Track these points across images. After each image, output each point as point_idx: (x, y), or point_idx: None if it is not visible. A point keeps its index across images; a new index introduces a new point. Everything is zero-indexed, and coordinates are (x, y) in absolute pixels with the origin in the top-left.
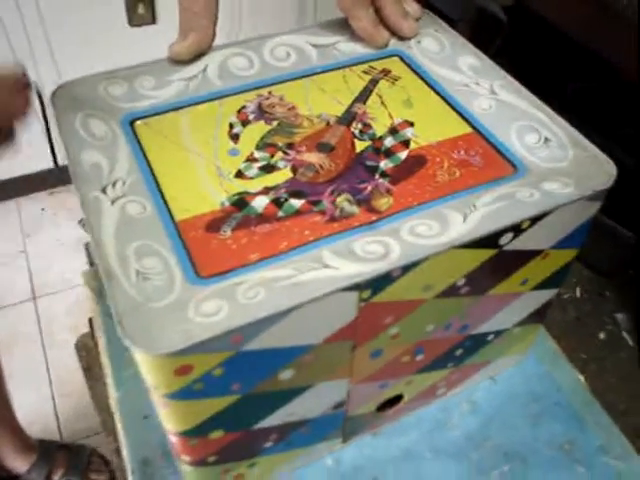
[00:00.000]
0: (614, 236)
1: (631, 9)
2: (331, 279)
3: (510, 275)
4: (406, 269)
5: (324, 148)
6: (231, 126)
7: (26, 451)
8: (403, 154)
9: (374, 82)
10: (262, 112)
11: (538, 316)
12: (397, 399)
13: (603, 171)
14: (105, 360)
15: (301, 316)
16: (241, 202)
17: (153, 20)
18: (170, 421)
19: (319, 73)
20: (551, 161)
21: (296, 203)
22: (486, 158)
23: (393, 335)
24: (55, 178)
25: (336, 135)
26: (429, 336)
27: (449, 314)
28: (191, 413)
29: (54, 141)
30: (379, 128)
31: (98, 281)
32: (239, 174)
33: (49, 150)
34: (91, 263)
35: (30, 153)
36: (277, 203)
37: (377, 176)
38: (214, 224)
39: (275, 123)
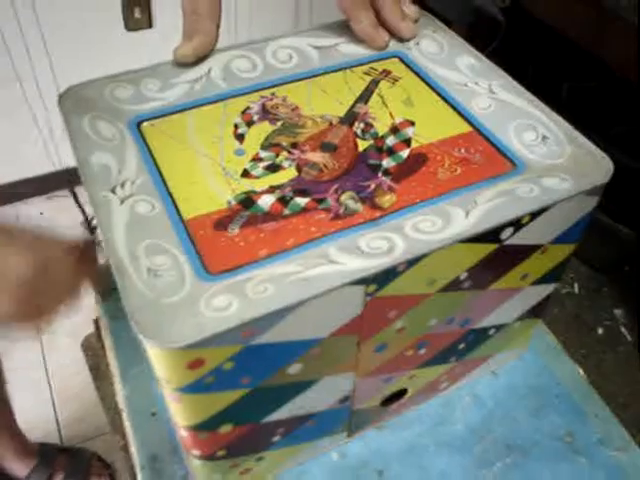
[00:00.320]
0: (611, 233)
1: (631, 9)
2: (338, 274)
3: (510, 270)
4: (410, 264)
5: (328, 147)
6: (236, 127)
7: (26, 455)
8: (405, 152)
9: (375, 83)
10: (266, 113)
11: (537, 311)
12: (401, 393)
13: (600, 167)
14: (112, 359)
15: (309, 310)
16: (248, 201)
17: (150, 24)
18: (181, 415)
19: (321, 74)
20: (549, 158)
21: (301, 201)
22: (486, 156)
23: (397, 329)
24: (53, 182)
25: (339, 135)
26: (432, 330)
27: (452, 308)
28: (202, 407)
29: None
30: (381, 127)
31: (102, 282)
32: (245, 173)
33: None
34: None
35: (29, 158)
36: (283, 201)
37: (380, 174)
38: (222, 222)
39: (279, 123)
